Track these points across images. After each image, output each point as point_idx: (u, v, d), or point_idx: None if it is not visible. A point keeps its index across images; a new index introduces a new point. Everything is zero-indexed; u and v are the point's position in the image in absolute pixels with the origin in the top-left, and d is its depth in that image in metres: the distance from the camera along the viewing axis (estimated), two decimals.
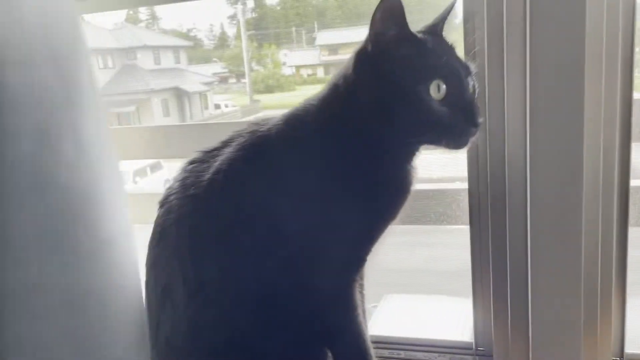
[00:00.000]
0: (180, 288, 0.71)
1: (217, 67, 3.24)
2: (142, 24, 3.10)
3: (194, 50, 3.24)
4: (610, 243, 0.85)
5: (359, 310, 0.75)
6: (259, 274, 0.71)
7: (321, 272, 0.71)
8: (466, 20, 0.85)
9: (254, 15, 3.11)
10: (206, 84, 3.24)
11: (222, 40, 3.19)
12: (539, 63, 0.74)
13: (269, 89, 3.21)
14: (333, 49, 2.93)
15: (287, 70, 3.19)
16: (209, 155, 0.77)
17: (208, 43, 3.23)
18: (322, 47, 2.94)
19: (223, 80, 3.27)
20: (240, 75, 3.23)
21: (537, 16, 0.73)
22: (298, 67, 3.20)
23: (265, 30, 3.13)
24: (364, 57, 0.70)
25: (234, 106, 3.29)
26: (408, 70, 0.67)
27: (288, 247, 0.70)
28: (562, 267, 0.79)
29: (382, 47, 0.68)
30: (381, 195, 0.72)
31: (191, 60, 3.33)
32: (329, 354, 0.77)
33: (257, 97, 3.20)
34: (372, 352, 0.77)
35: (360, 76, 0.70)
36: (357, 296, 0.75)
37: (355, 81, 0.70)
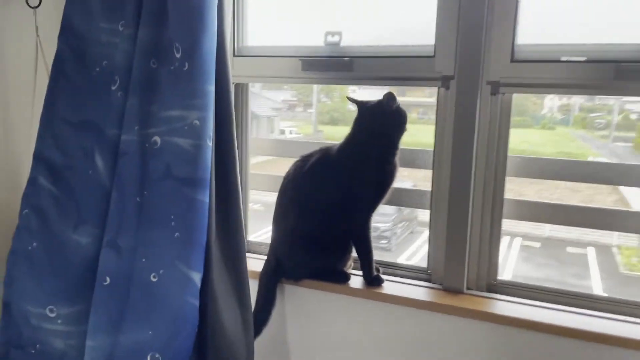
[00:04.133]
0: (291, 210, 1.77)
1: (287, 95, 3.39)
2: None
3: None
4: None
5: (371, 230, 1.76)
6: (328, 210, 1.73)
7: (358, 212, 1.74)
8: None
9: None
10: (275, 109, 3.40)
11: None
12: None
13: (333, 121, 3.29)
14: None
15: (353, 106, 3.26)
16: (305, 158, 1.79)
17: None
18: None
19: (291, 107, 3.42)
20: (307, 105, 3.35)
21: None
22: None
23: None
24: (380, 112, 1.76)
25: (298, 133, 3.41)
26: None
27: (342, 201, 1.72)
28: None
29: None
30: (382, 179, 1.71)
31: (264, 86, 3.53)
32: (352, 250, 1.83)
33: (320, 127, 3.30)
34: (373, 250, 1.79)
35: (381, 122, 1.76)
36: (371, 224, 1.76)
37: (381, 124, 1.75)
